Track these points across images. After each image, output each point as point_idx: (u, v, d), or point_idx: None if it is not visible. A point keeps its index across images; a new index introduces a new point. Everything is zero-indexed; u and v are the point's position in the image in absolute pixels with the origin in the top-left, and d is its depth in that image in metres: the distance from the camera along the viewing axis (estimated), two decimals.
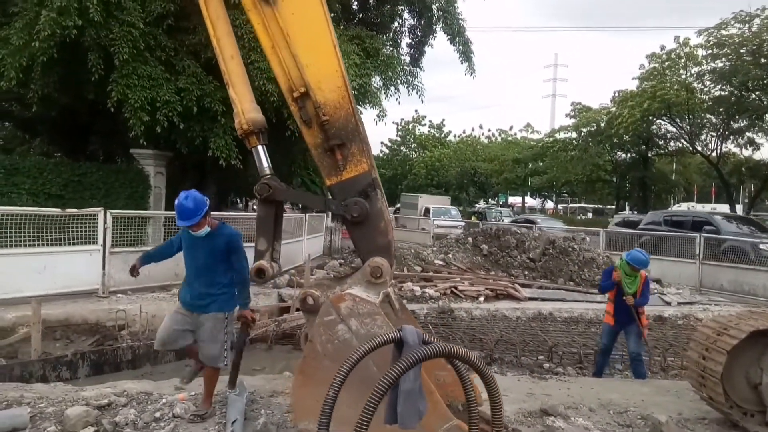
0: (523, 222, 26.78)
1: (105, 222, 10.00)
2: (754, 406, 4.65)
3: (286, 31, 3.95)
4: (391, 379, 1.90)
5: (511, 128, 59.42)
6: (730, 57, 27.08)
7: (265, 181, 4.09)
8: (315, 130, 3.98)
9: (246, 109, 4.20)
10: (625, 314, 6.88)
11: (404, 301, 6.24)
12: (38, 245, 9.26)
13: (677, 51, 30.08)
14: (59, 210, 9.75)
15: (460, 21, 17.63)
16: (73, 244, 9.67)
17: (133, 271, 4.74)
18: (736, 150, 34.18)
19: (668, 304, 12.32)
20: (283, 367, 8.23)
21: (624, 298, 6.84)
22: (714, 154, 33.49)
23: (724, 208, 34.98)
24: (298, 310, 10.25)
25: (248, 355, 8.82)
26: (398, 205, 41.21)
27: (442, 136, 59.21)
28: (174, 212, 4.37)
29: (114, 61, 11.26)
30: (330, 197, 4.21)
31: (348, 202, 3.94)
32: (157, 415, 4.67)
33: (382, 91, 16.36)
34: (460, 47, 17.62)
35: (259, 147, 4.22)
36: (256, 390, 5.36)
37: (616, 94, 34.67)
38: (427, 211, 32.06)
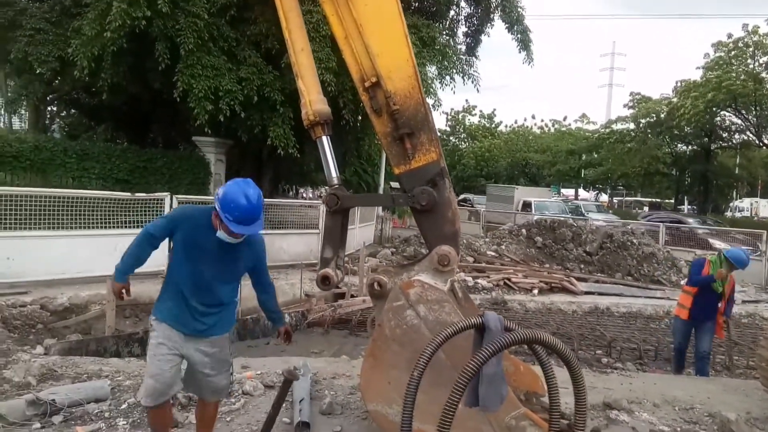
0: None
1: (171, 206, 10.40)
2: None
3: (359, 21, 4.00)
4: (479, 363, 1.95)
5: (565, 118, 58.03)
6: None
7: (333, 192, 4.09)
8: (385, 119, 4.03)
9: (313, 101, 4.27)
10: (703, 311, 6.65)
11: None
12: (109, 227, 9.73)
13: (745, 39, 28.66)
14: (129, 194, 10.21)
15: (519, 8, 17.33)
16: (142, 226, 10.08)
17: (124, 294, 3.51)
18: None
19: (733, 302, 11.86)
20: (339, 350, 8.43)
21: (716, 275, 6.53)
22: None
23: None
24: (353, 296, 10.44)
25: (306, 338, 9.12)
26: (464, 196, 38.66)
27: (493, 126, 58.39)
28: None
29: (179, 51, 11.64)
30: (399, 186, 4.26)
31: (416, 191, 3.98)
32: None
33: (437, 81, 16.28)
34: (519, 35, 17.33)
35: (324, 138, 4.27)
36: (318, 372, 5.52)
37: (679, 84, 33.34)
38: (526, 205, 27.80)
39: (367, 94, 4.07)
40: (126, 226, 9.95)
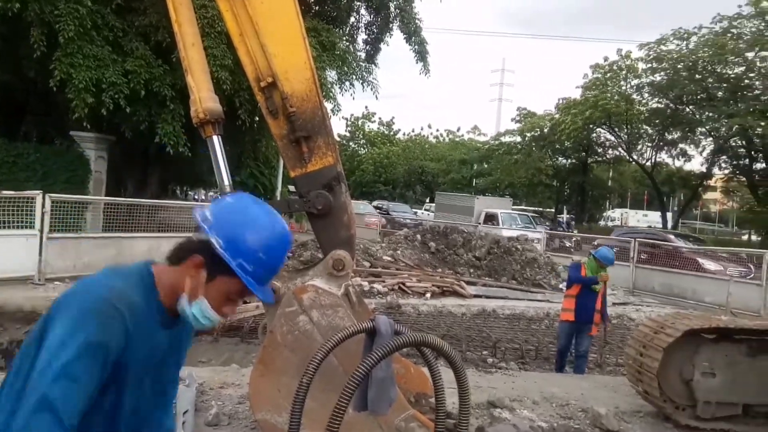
0: None
1: (43, 206, 9.55)
2: (685, 401, 4.98)
3: (255, 19, 3.90)
4: (368, 367, 1.94)
5: (458, 129, 60.48)
6: (667, 71, 28.56)
7: None
8: (281, 121, 3.96)
9: (204, 98, 4.10)
10: (584, 311, 7.13)
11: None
12: None
13: (619, 63, 31.46)
14: None
15: (417, 21, 17.83)
16: (9, 227, 9.21)
17: None
18: (669, 160, 36.12)
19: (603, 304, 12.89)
20: (229, 358, 8.14)
21: (599, 275, 7.10)
22: (648, 163, 35.28)
23: (655, 215, 36.83)
24: (245, 302, 10.14)
25: (193, 348, 8.68)
26: (377, 203, 37.84)
27: (392, 133, 59.56)
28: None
29: (58, 38, 10.76)
30: (291, 190, 4.19)
31: (311, 195, 3.94)
32: None
33: (337, 86, 16.32)
34: (416, 47, 17.82)
35: (215, 138, 4.11)
36: (204, 381, 5.29)
37: (560, 101, 35.91)
38: (490, 217, 25.36)
39: (262, 94, 3.97)
40: None
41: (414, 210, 41.29)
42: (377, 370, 2.14)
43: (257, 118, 14.13)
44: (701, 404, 4.92)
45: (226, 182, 4.01)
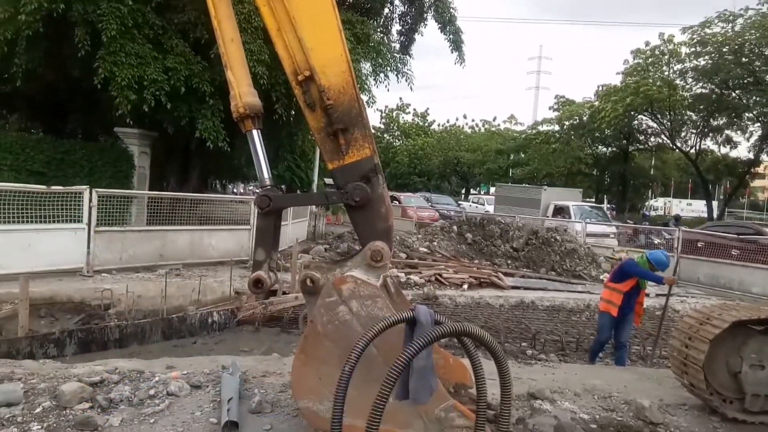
0: None
1: (90, 200, 9.89)
2: (732, 393, 4.85)
3: (292, 14, 3.94)
4: (409, 357, 1.97)
5: (494, 119, 59.78)
6: (712, 55, 27.59)
7: (264, 193, 3.97)
8: (318, 114, 4.00)
9: (243, 93, 4.17)
10: (629, 306, 7.13)
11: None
12: (22, 222, 9.16)
13: (661, 47, 30.53)
14: (44, 187, 9.63)
15: (452, 9, 17.66)
16: (58, 222, 9.57)
17: None
18: (714, 147, 34.94)
19: (647, 295, 12.58)
20: (270, 348, 8.31)
21: (666, 280, 7.23)
22: (693, 150, 34.19)
23: (700, 204, 35.66)
24: (285, 293, 10.31)
25: (235, 337, 8.94)
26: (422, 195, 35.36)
27: (426, 124, 59.27)
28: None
29: (101, 37, 11.08)
30: (327, 183, 4.24)
31: (349, 187, 3.97)
32: (152, 392, 4.70)
33: (372, 78, 16.34)
34: (451, 36, 17.66)
35: (254, 132, 4.19)
36: (248, 370, 5.41)
37: (600, 89, 35.08)
38: (560, 210, 23.21)
39: (300, 88, 4.02)
40: (41, 221, 9.40)
41: (458, 202, 40.79)
42: (418, 360, 2.17)
43: (294, 112, 14.27)
44: (749, 397, 4.78)
45: (266, 175, 4.08)
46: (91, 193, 9.93)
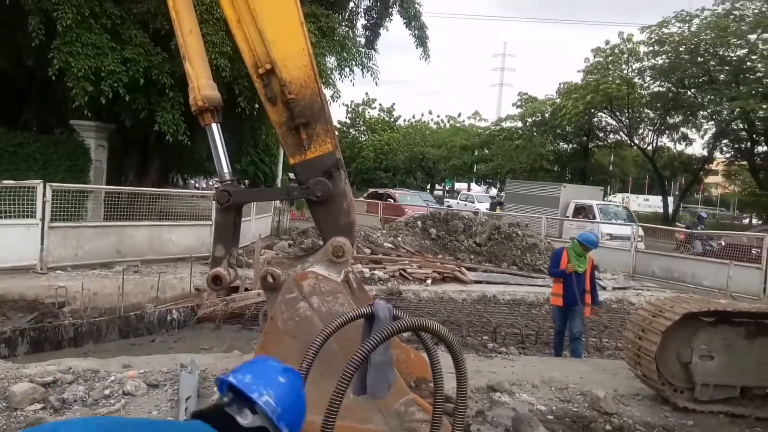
0: None
1: (44, 195, 9.57)
2: (683, 383, 5.04)
3: (252, 5, 3.89)
4: (366, 352, 1.97)
5: (459, 115, 60.21)
6: (669, 54, 28.40)
7: (224, 189, 3.91)
8: (280, 108, 3.96)
9: (202, 86, 4.09)
10: (573, 294, 7.24)
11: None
12: None
13: (620, 46, 31.25)
14: None
15: (417, 5, 17.68)
16: (10, 217, 9.23)
17: None
18: (670, 144, 36.00)
19: (604, 288, 12.91)
20: (231, 345, 8.20)
21: (566, 268, 7.25)
22: (650, 147, 35.20)
23: (657, 199, 36.70)
24: (247, 289, 10.19)
25: (195, 335, 8.79)
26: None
27: (392, 120, 59.29)
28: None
29: (57, 26, 10.70)
30: (291, 177, 4.20)
31: (311, 183, 3.95)
32: (107, 392, 4.60)
33: (336, 72, 16.24)
34: (416, 31, 17.71)
35: (213, 125, 4.11)
36: (207, 368, 5.34)
37: (561, 86, 35.72)
38: (581, 210, 21.73)
39: (261, 81, 3.97)
40: None
41: (441, 199, 39.85)
42: (376, 355, 2.18)
43: (257, 106, 14.08)
44: (699, 387, 4.97)
45: (226, 170, 4.02)
46: (45, 187, 9.60)
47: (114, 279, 9.48)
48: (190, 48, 4.15)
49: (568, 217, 21.49)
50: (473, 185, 59.25)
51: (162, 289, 9.74)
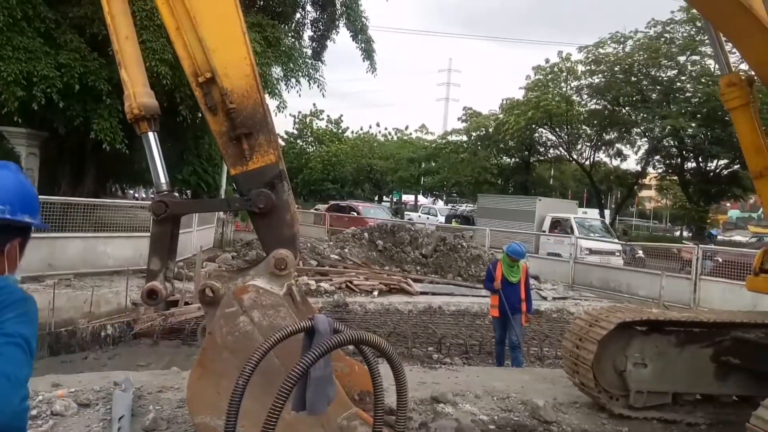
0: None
1: None
2: (619, 391, 5.20)
3: (192, 13, 3.80)
4: (305, 367, 1.93)
5: (406, 128, 60.62)
6: (605, 74, 29.67)
7: (160, 199, 3.75)
8: (221, 118, 3.87)
9: (138, 93, 3.96)
10: (509, 304, 7.47)
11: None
12: None
13: (560, 65, 32.42)
14: None
15: (363, 18, 17.82)
16: None
17: None
18: (606, 160, 37.51)
19: (544, 299, 13.28)
20: (170, 362, 7.93)
21: (495, 284, 7.57)
22: (587, 162, 36.56)
23: (594, 212, 38.11)
24: (187, 304, 9.89)
25: (131, 351, 8.47)
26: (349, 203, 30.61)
27: (340, 131, 59.30)
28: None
29: None
30: (236, 188, 4.10)
31: (253, 194, 3.87)
32: (34, 412, 4.34)
33: (283, 82, 16.14)
34: (363, 45, 17.83)
35: (150, 134, 3.97)
36: (143, 386, 5.13)
37: (504, 102, 36.69)
38: (556, 223, 21.11)
39: (201, 90, 3.88)
40: None
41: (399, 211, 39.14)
42: (315, 369, 2.14)
43: (199, 115, 13.79)
44: (633, 394, 5.14)
45: (163, 180, 3.88)
46: None
47: (44, 293, 9.00)
48: (125, 54, 4.02)
49: (544, 231, 20.97)
50: (420, 197, 59.91)
51: (96, 304, 9.33)
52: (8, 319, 1.51)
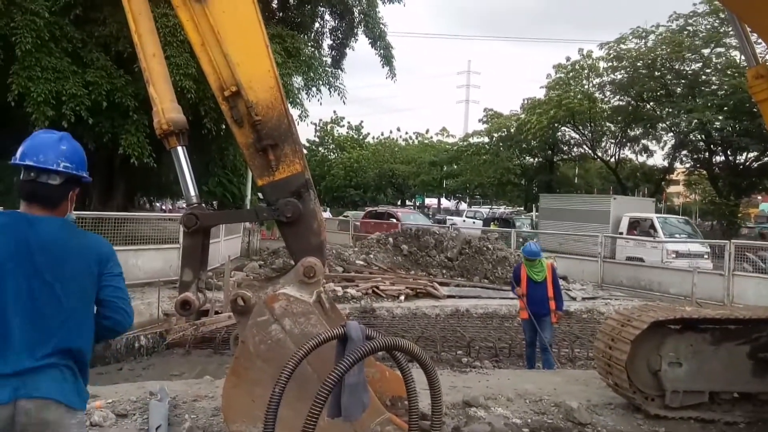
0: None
1: None
2: (654, 391, 5.11)
3: (216, 28, 3.88)
4: (340, 374, 1.96)
5: (427, 131, 60.66)
6: (627, 69, 29.30)
7: (191, 212, 3.81)
8: (247, 130, 3.93)
9: (166, 109, 4.03)
10: (536, 305, 7.37)
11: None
12: None
13: (581, 62, 32.11)
14: None
15: (381, 25, 17.91)
16: None
17: None
18: (632, 156, 36.97)
19: (574, 299, 13.12)
20: (202, 371, 8.04)
21: (516, 291, 7.61)
22: (612, 159, 36.07)
23: None
24: (217, 313, 10.02)
25: (165, 361, 8.59)
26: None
27: (361, 137, 59.56)
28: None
29: (15, 51, 10.50)
30: (261, 198, 4.17)
31: (280, 204, 3.92)
32: None
33: (304, 92, 16.30)
34: (381, 51, 17.92)
35: (179, 148, 4.04)
36: (177, 395, 5.22)
37: (525, 102, 36.45)
38: (635, 224, 19.17)
39: (227, 103, 3.95)
40: None
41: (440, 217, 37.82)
42: (349, 376, 2.16)
43: (224, 127, 14.01)
44: (669, 393, 5.05)
45: (192, 193, 3.95)
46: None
47: None
48: (153, 71, 4.11)
49: (622, 233, 18.96)
50: (443, 200, 59.76)
51: None
52: (115, 263, 2.48)
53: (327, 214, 30.74)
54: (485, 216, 35.10)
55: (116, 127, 12.14)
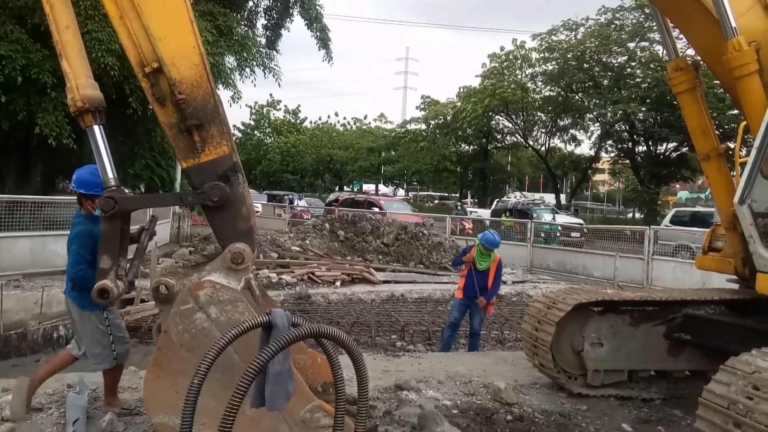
0: None
1: None
2: (577, 371, 5.33)
3: (136, 1, 3.67)
4: (262, 362, 1.90)
5: (365, 117, 60.48)
6: (558, 61, 30.23)
7: (109, 195, 3.64)
8: (169, 109, 3.75)
9: (81, 85, 3.79)
10: (473, 290, 7.40)
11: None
12: None
13: (515, 53, 32.85)
14: None
15: (318, 7, 17.59)
16: None
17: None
18: (561, 145, 38.36)
19: (504, 283, 13.47)
20: (126, 361, 7.71)
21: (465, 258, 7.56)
22: (543, 148, 37.29)
23: (551, 197, 38.92)
24: (143, 301, 9.64)
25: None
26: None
27: (298, 122, 58.66)
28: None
29: None
30: (187, 181, 3.99)
31: (206, 187, 3.77)
32: None
33: (237, 72, 15.80)
34: (318, 33, 17.61)
35: (95, 127, 3.83)
36: (98, 387, 4.98)
37: (461, 90, 36.99)
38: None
39: (148, 80, 3.75)
40: None
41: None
42: (273, 364, 2.10)
43: (150, 107, 13.39)
44: (591, 373, 5.27)
45: (110, 175, 3.75)
46: None
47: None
48: (67, 45, 3.85)
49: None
50: (381, 186, 59.94)
51: (47, 305, 8.99)
52: None
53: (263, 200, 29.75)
54: (494, 207, 30.96)
55: (32, 105, 11.34)
